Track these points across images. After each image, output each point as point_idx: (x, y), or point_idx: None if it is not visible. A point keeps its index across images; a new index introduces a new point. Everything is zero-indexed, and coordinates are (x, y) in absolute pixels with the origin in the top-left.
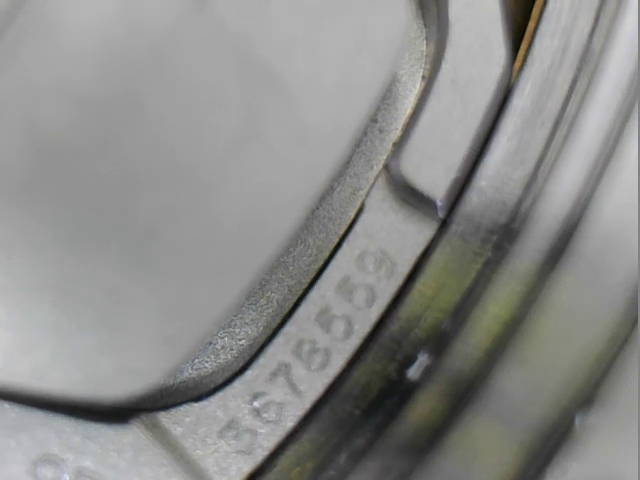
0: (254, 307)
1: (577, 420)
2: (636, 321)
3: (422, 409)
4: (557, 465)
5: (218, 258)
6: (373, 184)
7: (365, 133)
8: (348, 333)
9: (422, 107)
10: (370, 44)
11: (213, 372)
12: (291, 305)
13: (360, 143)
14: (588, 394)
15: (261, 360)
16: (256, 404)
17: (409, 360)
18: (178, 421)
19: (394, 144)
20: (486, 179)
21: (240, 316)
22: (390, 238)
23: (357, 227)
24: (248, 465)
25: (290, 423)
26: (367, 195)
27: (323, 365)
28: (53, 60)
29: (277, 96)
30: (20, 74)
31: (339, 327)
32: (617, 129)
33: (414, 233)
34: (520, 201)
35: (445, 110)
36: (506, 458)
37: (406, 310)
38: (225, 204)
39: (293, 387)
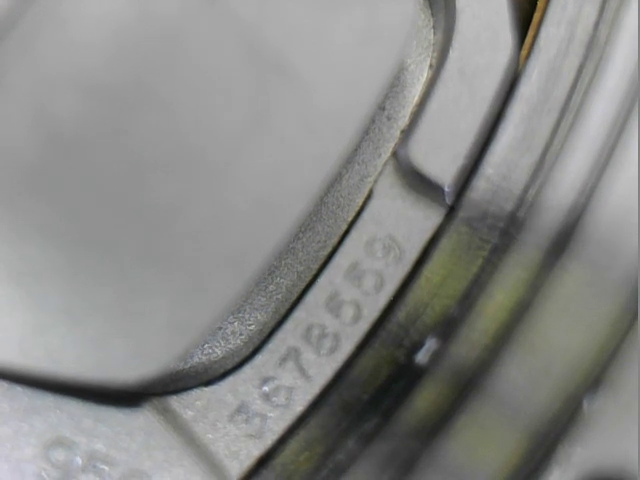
0: (263, 293)
1: (585, 404)
2: None
3: (429, 394)
4: (562, 451)
5: (228, 244)
6: (381, 171)
7: (373, 121)
8: (357, 318)
9: (430, 95)
10: (378, 32)
11: (223, 357)
12: (300, 291)
13: (368, 130)
14: (594, 379)
15: (271, 345)
16: (266, 388)
17: (417, 345)
18: (189, 405)
19: (402, 132)
20: (493, 166)
21: (250, 301)
22: (398, 224)
23: (365, 214)
24: (258, 449)
25: (299, 407)
26: (375, 182)
27: (332, 350)
28: (65, 50)
29: (286, 84)
30: (33, 64)
31: (348, 312)
32: (622, 118)
33: (422, 219)
34: (526, 188)
35: (452, 98)
36: (512, 443)
37: (414, 296)
38: (234, 191)
39: (302, 372)
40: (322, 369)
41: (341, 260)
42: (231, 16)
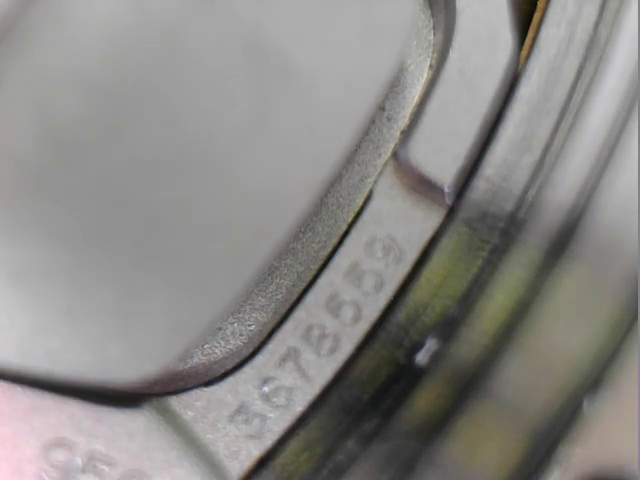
0: (263, 293)
1: (585, 404)
2: None
3: (429, 395)
4: (562, 451)
5: (228, 244)
6: (381, 171)
7: (373, 121)
8: (357, 318)
9: (430, 95)
10: (378, 33)
11: (223, 357)
12: (300, 291)
13: (368, 131)
14: (594, 379)
15: (270, 345)
16: (266, 389)
17: (417, 346)
18: (189, 406)
19: (402, 132)
20: (493, 166)
21: (249, 302)
22: (398, 225)
23: (365, 214)
24: (258, 449)
25: (299, 408)
26: (375, 182)
27: (332, 350)
28: (65, 48)
29: (286, 84)
30: (33, 62)
31: (348, 312)
32: (622, 118)
33: (422, 220)
34: (526, 189)
35: (452, 98)
36: (512, 443)
37: (414, 296)
38: (234, 191)
39: (302, 372)
40: (322, 369)
41: (341, 260)
42: (232, 16)
